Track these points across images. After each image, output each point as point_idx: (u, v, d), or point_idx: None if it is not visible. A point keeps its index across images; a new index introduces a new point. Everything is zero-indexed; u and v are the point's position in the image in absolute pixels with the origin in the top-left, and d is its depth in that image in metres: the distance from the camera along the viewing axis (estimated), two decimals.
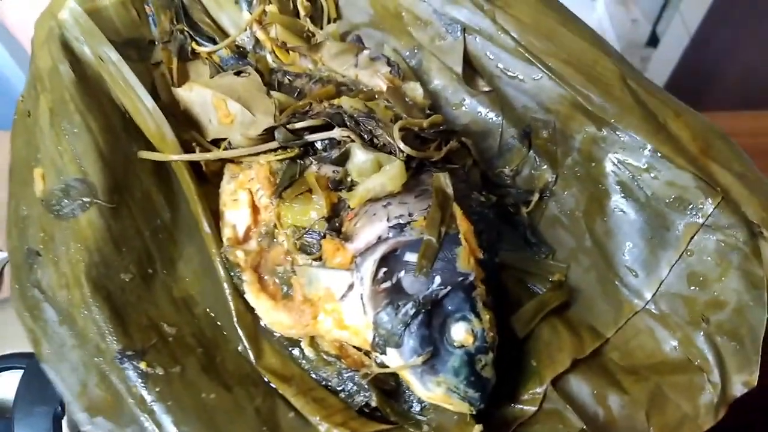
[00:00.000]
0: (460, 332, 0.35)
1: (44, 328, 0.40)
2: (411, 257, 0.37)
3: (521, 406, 0.37)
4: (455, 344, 0.35)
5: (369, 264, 0.38)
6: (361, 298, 0.37)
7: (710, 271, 0.38)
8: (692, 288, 0.38)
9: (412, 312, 0.35)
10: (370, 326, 0.37)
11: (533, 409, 0.37)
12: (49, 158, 0.43)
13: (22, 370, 0.48)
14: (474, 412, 0.35)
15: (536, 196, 0.44)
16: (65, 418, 0.46)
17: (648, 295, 0.39)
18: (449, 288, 0.36)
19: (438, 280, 0.36)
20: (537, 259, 0.43)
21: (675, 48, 1.29)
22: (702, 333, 0.37)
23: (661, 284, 0.39)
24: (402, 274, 0.37)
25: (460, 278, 0.36)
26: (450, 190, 0.39)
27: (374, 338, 0.36)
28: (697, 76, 1.26)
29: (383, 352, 0.36)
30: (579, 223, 0.42)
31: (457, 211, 0.38)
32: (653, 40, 1.57)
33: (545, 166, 0.44)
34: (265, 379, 0.39)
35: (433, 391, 0.35)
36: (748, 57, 1.20)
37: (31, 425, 0.46)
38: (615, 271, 0.41)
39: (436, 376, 0.35)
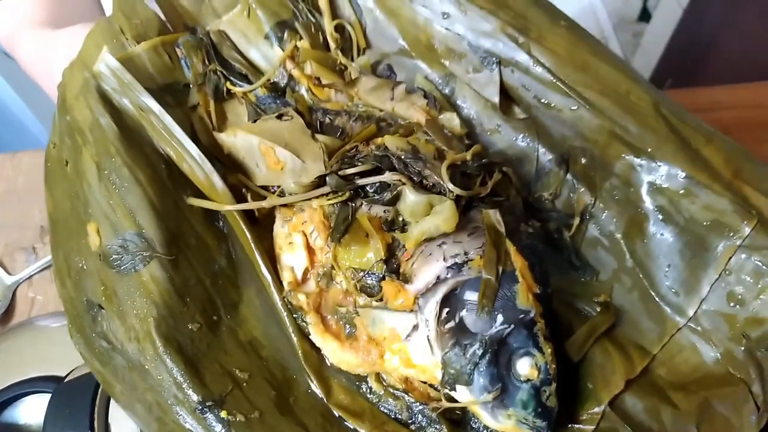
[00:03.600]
0: (525, 367, 0.38)
1: (114, 373, 0.42)
2: (471, 296, 0.39)
3: (580, 426, 0.40)
4: (522, 379, 0.38)
5: (432, 305, 0.40)
6: (428, 339, 0.39)
7: (749, 289, 0.40)
8: (732, 305, 0.41)
9: (479, 352, 0.38)
10: (438, 365, 0.39)
11: (591, 428, 0.39)
12: (102, 213, 0.44)
13: (48, 394, 0.48)
14: None
15: (577, 220, 0.45)
16: None
17: (690, 312, 0.42)
18: (512, 326, 0.38)
19: (500, 318, 0.38)
20: (582, 281, 0.45)
21: (668, 21, 1.26)
22: (743, 348, 0.40)
23: (701, 302, 0.41)
24: (464, 312, 0.39)
25: (521, 315, 0.38)
26: (502, 228, 0.41)
27: (444, 376, 0.38)
28: (692, 49, 1.24)
29: (453, 389, 0.39)
30: (619, 244, 0.44)
31: (511, 248, 0.40)
32: (645, 15, 1.55)
33: (583, 189, 0.46)
34: (338, 415, 0.42)
35: (503, 423, 0.38)
36: (744, 26, 1.17)
37: None
38: (657, 290, 0.43)
39: (506, 410, 0.37)
